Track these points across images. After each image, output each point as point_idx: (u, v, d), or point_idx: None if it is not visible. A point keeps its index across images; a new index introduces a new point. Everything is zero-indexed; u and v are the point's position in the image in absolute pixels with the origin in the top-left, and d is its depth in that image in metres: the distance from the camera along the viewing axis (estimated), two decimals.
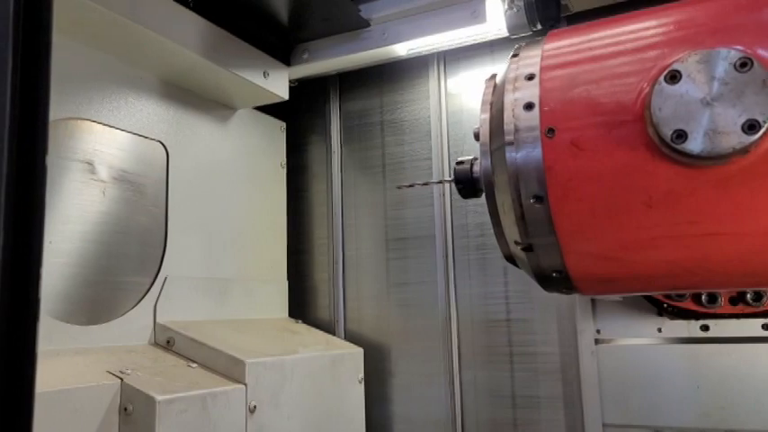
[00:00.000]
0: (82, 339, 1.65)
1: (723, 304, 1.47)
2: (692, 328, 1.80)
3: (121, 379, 1.49)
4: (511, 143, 1.21)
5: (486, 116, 1.31)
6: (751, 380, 1.74)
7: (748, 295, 1.44)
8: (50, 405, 1.34)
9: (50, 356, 1.52)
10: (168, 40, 1.78)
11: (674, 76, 1.07)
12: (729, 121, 1.01)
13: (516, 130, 1.21)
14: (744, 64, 1.02)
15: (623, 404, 1.91)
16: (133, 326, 1.81)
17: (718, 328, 1.76)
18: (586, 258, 1.22)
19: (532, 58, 1.26)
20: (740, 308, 1.44)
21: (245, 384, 1.70)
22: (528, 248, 1.24)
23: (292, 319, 2.45)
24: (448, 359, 2.27)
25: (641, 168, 1.09)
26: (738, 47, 1.04)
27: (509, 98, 1.24)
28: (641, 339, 1.89)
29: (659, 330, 1.85)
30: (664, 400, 1.86)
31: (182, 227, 2.01)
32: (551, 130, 1.17)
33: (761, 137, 0.99)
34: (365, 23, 2.12)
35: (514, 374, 2.18)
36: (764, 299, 1.44)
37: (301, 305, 2.54)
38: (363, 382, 2.25)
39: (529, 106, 1.21)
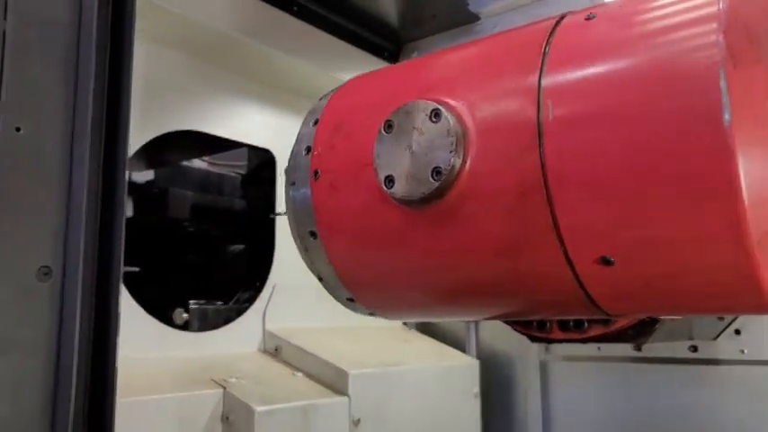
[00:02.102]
0: (194, 346, 1.69)
1: (554, 330, 1.47)
2: (626, 348, 1.85)
3: (224, 387, 1.50)
4: (293, 183, 1.31)
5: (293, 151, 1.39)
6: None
7: (571, 323, 1.43)
8: (155, 412, 1.36)
9: (161, 363, 1.57)
10: (273, 49, 1.79)
11: (389, 126, 1.12)
12: (422, 167, 1.06)
13: (296, 170, 1.31)
14: (437, 114, 1.05)
15: None
16: (243, 333, 1.83)
17: (650, 349, 1.83)
18: (364, 287, 1.30)
19: (322, 105, 1.36)
20: (569, 334, 1.45)
21: (349, 396, 1.66)
22: (320, 279, 1.33)
23: (405, 327, 2.38)
24: None
25: (377, 209, 1.15)
26: (433, 98, 1.08)
27: (299, 143, 1.34)
28: None
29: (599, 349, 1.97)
30: None
31: (290, 234, 2.01)
32: (317, 173, 1.26)
33: (448, 182, 1.03)
34: (475, 17, 2.01)
35: None
36: (586, 325, 1.42)
37: None
38: (479, 397, 2.13)
39: (308, 150, 1.29)
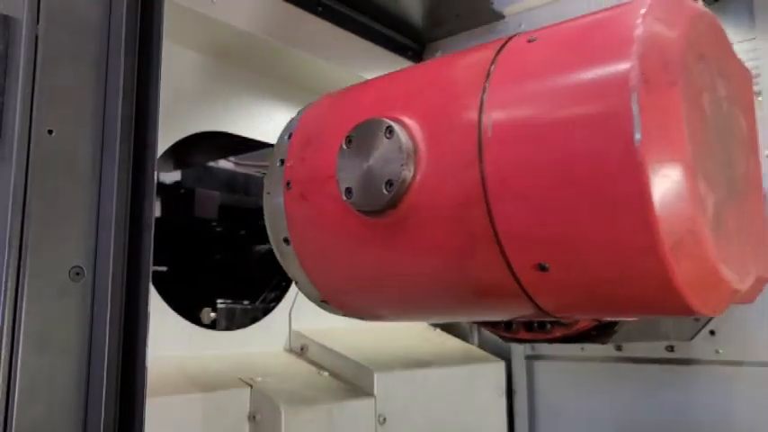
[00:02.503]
0: (221, 344, 1.70)
1: (520, 330, 1.53)
2: (609, 348, 1.97)
3: (251, 386, 1.51)
4: (268, 192, 1.42)
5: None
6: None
7: (535, 324, 1.49)
8: (182, 411, 1.38)
9: (189, 362, 1.58)
10: (298, 49, 1.80)
11: (350, 141, 1.21)
12: (377, 180, 1.15)
13: (271, 180, 1.41)
14: (390, 131, 1.14)
15: None
16: (270, 332, 1.84)
17: (630, 348, 1.94)
18: (333, 290, 1.38)
19: (296, 120, 1.46)
20: (533, 334, 1.50)
21: (374, 396, 1.66)
22: (296, 282, 1.43)
23: (431, 327, 2.38)
24: None
25: (340, 218, 1.24)
26: (389, 116, 1.17)
27: (275, 155, 1.45)
28: None
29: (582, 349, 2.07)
30: None
31: None
32: (289, 183, 1.36)
33: (401, 192, 1.12)
34: (499, 16, 2.00)
35: None
36: (548, 326, 1.48)
37: None
38: (505, 395, 2.12)
39: (281, 162, 1.40)
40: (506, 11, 2.01)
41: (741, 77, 1.24)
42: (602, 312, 1.22)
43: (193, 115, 1.75)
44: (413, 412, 1.76)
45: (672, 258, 0.89)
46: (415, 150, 1.12)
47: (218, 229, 2.27)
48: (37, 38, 0.93)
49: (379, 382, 1.68)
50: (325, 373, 1.74)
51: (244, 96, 1.88)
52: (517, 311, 1.20)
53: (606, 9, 1.06)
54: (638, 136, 0.88)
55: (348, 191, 1.20)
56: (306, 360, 1.82)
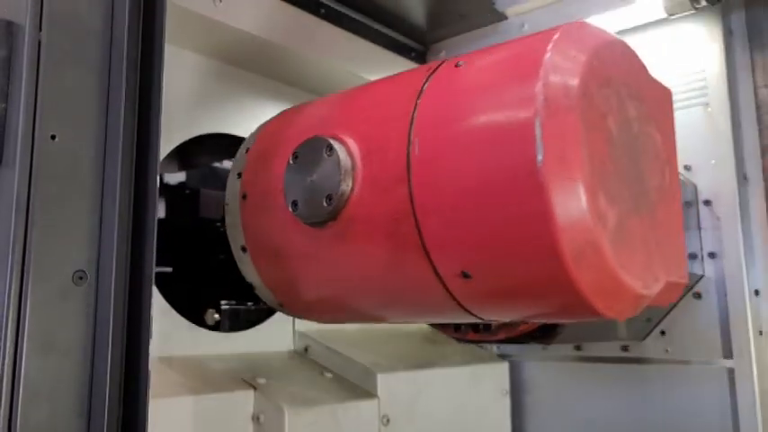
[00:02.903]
0: (225, 346, 1.71)
1: (468, 332, 1.63)
2: (568, 347, 2.08)
3: (255, 388, 1.52)
4: (227, 204, 1.52)
5: None
6: None
7: (481, 326, 1.58)
8: (186, 412, 1.39)
9: (193, 362, 1.59)
10: (301, 51, 1.80)
11: (296, 157, 1.31)
12: (318, 194, 1.23)
13: (230, 193, 1.50)
14: (330, 148, 1.23)
15: None
16: (273, 333, 1.84)
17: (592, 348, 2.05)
18: (286, 295, 1.48)
19: (254, 135, 1.55)
20: (480, 335, 1.60)
21: (378, 397, 1.67)
22: (253, 288, 1.52)
23: (434, 329, 2.38)
24: None
25: (289, 229, 1.32)
26: (331, 134, 1.26)
27: (234, 168, 1.54)
28: None
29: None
30: None
31: None
32: (245, 195, 1.46)
33: (340, 206, 1.21)
34: (502, 17, 2.00)
35: None
36: (493, 327, 1.57)
37: None
38: (509, 395, 2.13)
39: (239, 175, 1.50)
40: (509, 11, 2.01)
41: (658, 97, 1.32)
42: (523, 316, 1.30)
43: (197, 117, 1.75)
44: (416, 413, 1.76)
45: (574, 268, 0.98)
46: (353, 167, 1.21)
47: (223, 230, 2.27)
48: (40, 43, 0.94)
49: (383, 382, 1.69)
50: (329, 374, 1.75)
51: (247, 98, 1.88)
52: (451, 315, 1.26)
53: (527, 36, 1.16)
54: (540, 157, 0.96)
55: (294, 203, 1.28)
56: (309, 361, 1.83)
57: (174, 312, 1.62)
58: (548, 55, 1.02)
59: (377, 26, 2.03)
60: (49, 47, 0.94)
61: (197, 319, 1.67)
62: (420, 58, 2.21)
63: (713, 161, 1.84)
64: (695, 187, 1.89)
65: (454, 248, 1.09)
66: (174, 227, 1.87)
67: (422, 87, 1.17)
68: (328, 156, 1.23)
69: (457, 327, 1.63)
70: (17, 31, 0.94)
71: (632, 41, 1.84)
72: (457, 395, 1.91)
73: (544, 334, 1.61)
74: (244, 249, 1.47)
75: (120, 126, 0.97)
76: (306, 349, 1.86)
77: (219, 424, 1.44)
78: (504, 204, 1.01)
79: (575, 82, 1.02)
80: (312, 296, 1.43)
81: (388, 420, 1.67)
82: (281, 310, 1.56)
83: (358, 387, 1.70)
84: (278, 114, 1.57)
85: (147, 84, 1.01)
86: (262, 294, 1.53)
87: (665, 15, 1.86)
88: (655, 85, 1.31)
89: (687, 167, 1.89)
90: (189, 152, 1.80)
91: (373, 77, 1.99)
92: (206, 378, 1.53)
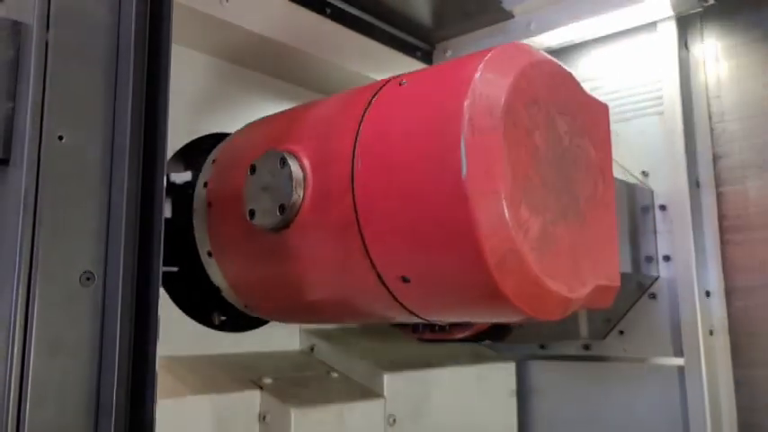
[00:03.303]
0: (231, 346, 1.71)
1: (425, 332, 1.67)
2: (533, 346, 2.17)
3: (261, 388, 1.52)
4: (196, 209, 1.59)
5: None
6: None
7: (437, 326, 1.63)
8: (193, 412, 1.39)
9: (199, 363, 1.59)
10: (307, 51, 1.80)
11: (253, 168, 1.38)
12: (272, 203, 1.31)
13: (197, 200, 1.58)
14: (283, 161, 1.29)
15: None
16: (279, 333, 1.84)
17: (556, 347, 2.13)
18: (250, 297, 1.56)
19: (220, 147, 1.63)
20: (436, 335, 1.64)
21: (384, 397, 1.66)
22: (219, 290, 1.59)
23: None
24: None
25: (249, 236, 1.41)
26: (285, 147, 1.33)
27: (201, 177, 1.61)
28: None
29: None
30: None
31: None
32: (210, 204, 1.54)
33: (292, 215, 1.29)
34: (509, 15, 1.99)
35: None
36: (448, 328, 1.61)
37: None
38: (515, 395, 2.12)
39: (205, 184, 1.57)
40: (516, 10, 2.00)
41: (592, 111, 1.38)
42: (460, 317, 1.36)
43: (203, 117, 1.75)
44: (423, 413, 1.76)
45: (497, 274, 1.05)
46: (305, 178, 1.28)
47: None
48: (47, 44, 0.94)
49: (389, 382, 1.68)
50: (335, 374, 1.74)
51: (253, 98, 1.88)
52: (399, 316, 1.32)
53: (465, 57, 1.22)
54: (464, 171, 1.03)
55: (251, 212, 1.36)
56: (315, 361, 1.83)
57: (179, 312, 1.62)
58: (477, 75, 1.09)
59: (383, 25, 2.03)
60: (57, 46, 0.94)
61: (203, 318, 1.67)
62: (426, 57, 2.20)
63: (668, 167, 1.90)
64: (652, 192, 1.96)
65: (393, 254, 1.17)
66: (179, 226, 1.87)
67: (366, 105, 1.24)
68: (282, 168, 1.30)
69: (415, 327, 1.69)
70: (25, 30, 0.94)
71: (594, 53, 2.02)
72: (463, 395, 1.91)
73: (498, 334, 1.67)
74: (210, 254, 1.55)
75: (127, 126, 0.97)
76: (312, 348, 1.86)
77: (226, 424, 1.44)
78: (434, 214, 1.08)
79: (500, 101, 1.09)
80: (272, 298, 1.52)
81: (394, 420, 1.67)
82: (245, 312, 1.62)
83: (364, 387, 1.70)
84: (243, 127, 1.65)
85: (155, 83, 1.00)
86: (228, 297, 1.59)
87: (671, 13, 1.86)
88: (589, 100, 1.38)
89: (645, 173, 1.97)
90: (194, 152, 1.80)
91: (379, 77, 1.98)
92: (213, 378, 1.53)
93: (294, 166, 1.29)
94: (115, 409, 0.91)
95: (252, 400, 1.49)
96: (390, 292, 1.21)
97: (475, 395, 1.96)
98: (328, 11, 1.85)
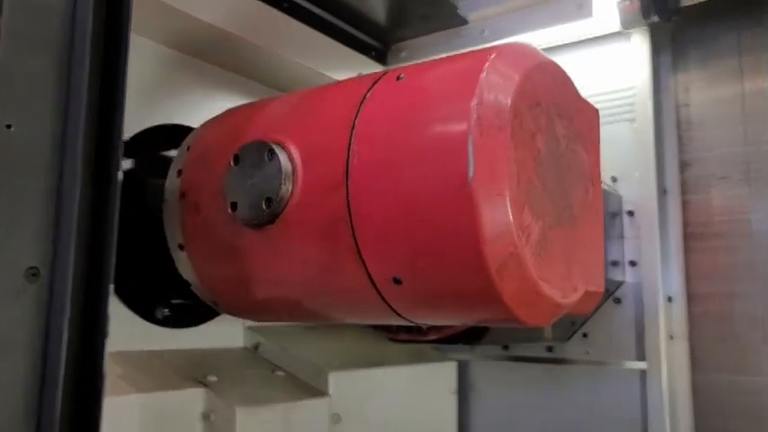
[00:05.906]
0: (175, 342, 1.67)
1: (400, 333, 1.67)
2: (496, 348, 2.14)
3: (205, 386, 1.49)
4: (166, 200, 1.51)
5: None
6: None
7: (413, 327, 1.61)
8: (135, 410, 1.35)
9: (142, 358, 1.55)
10: (262, 45, 1.77)
11: (237, 159, 1.30)
12: (258, 196, 1.24)
13: (169, 190, 1.50)
14: (271, 152, 1.23)
15: None
16: (224, 330, 1.81)
17: (519, 348, 2.11)
18: (222, 294, 1.50)
19: (196, 133, 1.55)
20: (412, 335, 1.64)
21: (329, 395, 1.66)
22: (189, 285, 1.54)
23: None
24: None
25: (228, 229, 1.33)
26: (273, 138, 1.26)
27: (174, 165, 1.52)
28: None
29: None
30: None
31: None
32: (183, 194, 1.45)
33: (279, 209, 1.23)
34: (463, 21, 2.02)
35: None
36: (424, 329, 1.61)
37: None
38: (456, 394, 2.16)
39: (179, 173, 1.48)
40: (470, 17, 2.03)
41: (586, 116, 1.37)
42: (449, 320, 1.33)
43: (153, 107, 1.71)
44: (367, 411, 1.77)
45: (497, 278, 1.02)
46: (294, 171, 1.22)
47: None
48: None
49: (333, 381, 1.69)
50: (280, 372, 1.73)
51: (205, 90, 1.84)
52: (383, 318, 1.29)
53: (465, 54, 1.18)
54: (471, 173, 0.99)
55: (233, 205, 1.29)
56: (260, 359, 1.81)
57: (122, 306, 1.57)
58: (483, 74, 1.05)
59: (339, 23, 2.02)
60: (9, 31, 0.90)
61: (146, 313, 1.63)
62: (381, 57, 2.20)
63: (637, 174, 1.94)
64: (620, 198, 1.99)
65: (387, 255, 1.13)
66: (123, 218, 1.82)
67: (362, 99, 1.19)
68: (269, 160, 1.24)
69: (389, 327, 1.67)
70: None
71: (567, 58, 1.95)
72: (406, 394, 1.93)
73: (472, 336, 1.67)
74: (181, 247, 1.47)
75: (81, 115, 0.93)
76: (256, 347, 1.84)
77: (169, 422, 1.41)
78: (435, 215, 1.04)
79: (507, 102, 1.06)
80: (248, 296, 1.44)
81: (338, 418, 1.67)
82: (215, 307, 1.56)
83: (309, 385, 1.69)
84: (221, 114, 1.56)
85: (112, 72, 0.97)
86: (198, 292, 1.53)
87: (619, 29, 1.92)
88: (583, 104, 1.37)
89: (614, 179, 1.99)
90: (142, 142, 1.75)
91: (333, 74, 1.98)
92: (156, 375, 1.49)
93: (283, 157, 1.23)
94: (60, 410, 0.87)
95: (196, 398, 1.46)
96: (379, 293, 1.17)
97: (417, 394, 1.99)
98: (285, 5, 1.83)
